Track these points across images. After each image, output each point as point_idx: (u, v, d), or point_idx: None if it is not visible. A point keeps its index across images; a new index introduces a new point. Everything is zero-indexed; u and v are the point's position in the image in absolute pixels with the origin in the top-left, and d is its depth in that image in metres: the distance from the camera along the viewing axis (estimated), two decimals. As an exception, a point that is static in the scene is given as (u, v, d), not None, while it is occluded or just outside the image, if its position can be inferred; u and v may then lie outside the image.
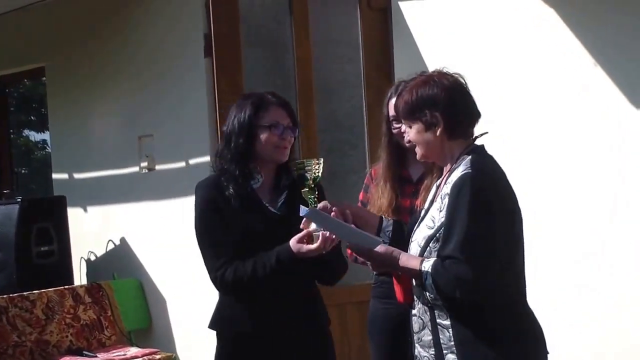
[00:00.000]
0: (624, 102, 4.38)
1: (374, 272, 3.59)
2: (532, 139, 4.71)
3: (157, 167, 5.58)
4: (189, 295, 5.35)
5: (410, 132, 2.74)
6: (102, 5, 5.92)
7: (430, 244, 2.60)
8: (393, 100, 3.57)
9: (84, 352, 4.99)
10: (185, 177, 5.36)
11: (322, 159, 2.93)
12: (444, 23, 4.99)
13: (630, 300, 4.36)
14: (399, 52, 5.07)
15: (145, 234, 5.70)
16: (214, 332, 5.07)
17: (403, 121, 2.79)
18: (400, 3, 5.06)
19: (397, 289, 2.74)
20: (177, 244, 5.41)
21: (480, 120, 4.35)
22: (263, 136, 3.01)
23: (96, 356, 4.95)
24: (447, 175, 2.68)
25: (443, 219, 2.56)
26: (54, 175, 6.48)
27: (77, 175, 6.25)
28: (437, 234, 2.58)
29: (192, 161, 5.31)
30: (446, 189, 2.60)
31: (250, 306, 3.07)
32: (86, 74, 6.09)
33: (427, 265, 2.53)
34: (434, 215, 2.62)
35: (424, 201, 3.23)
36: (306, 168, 2.88)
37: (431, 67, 4.95)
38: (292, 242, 2.87)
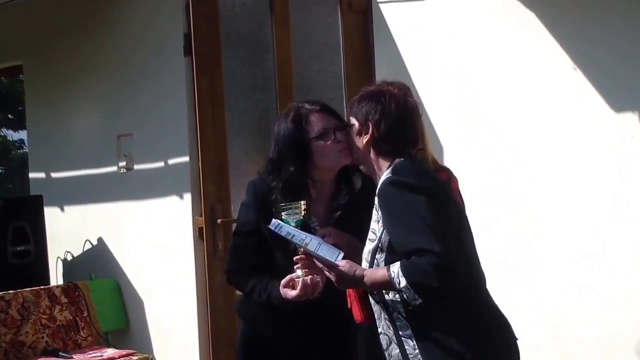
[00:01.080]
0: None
1: None
2: (510, 138, 4.72)
3: (136, 166, 5.55)
4: (166, 296, 5.32)
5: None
6: (81, 4, 5.88)
7: (377, 256, 2.61)
8: None
9: (60, 353, 4.96)
10: (164, 176, 5.34)
11: (304, 202, 2.83)
12: (425, 25, 5.00)
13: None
14: (379, 54, 5.08)
15: (123, 234, 5.66)
16: (191, 333, 5.09)
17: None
18: (380, 5, 5.06)
19: (356, 308, 2.73)
20: (155, 244, 5.39)
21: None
22: (317, 149, 2.89)
23: (72, 357, 4.92)
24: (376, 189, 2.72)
25: (382, 228, 2.58)
26: (31, 174, 6.43)
27: (54, 175, 6.21)
28: (380, 244, 2.60)
29: (171, 161, 5.29)
30: (376, 200, 2.63)
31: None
32: (64, 72, 6.05)
33: (395, 269, 2.50)
34: (373, 227, 2.64)
35: None
36: (288, 212, 2.81)
37: (411, 68, 4.98)
38: (280, 286, 2.86)
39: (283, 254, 2.94)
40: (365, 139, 2.74)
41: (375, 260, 2.61)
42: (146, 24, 5.43)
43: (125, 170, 5.62)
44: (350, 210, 2.97)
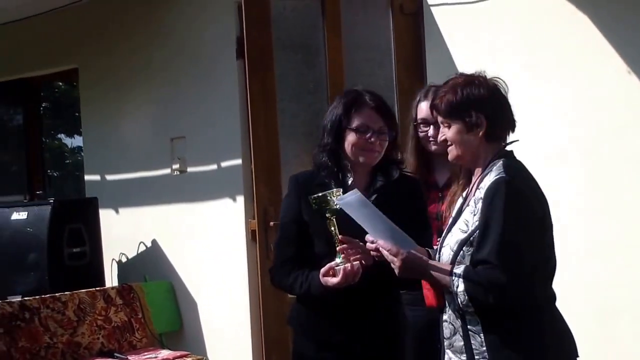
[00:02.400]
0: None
1: None
2: (563, 143, 4.67)
3: (189, 169, 5.61)
4: (219, 298, 5.37)
5: (448, 132, 2.71)
6: (135, 9, 5.96)
7: (464, 248, 2.59)
8: (423, 104, 3.57)
9: (115, 354, 5.01)
10: (216, 179, 5.39)
11: (341, 189, 2.88)
12: (476, 27, 4.96)
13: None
14: (430, 56, 5.05)
15: (176, 236, 5.72)
16: (244, 335, 5.12)
17: (442, 119, 2.73)
18: (432, 7, 5.04)
19: (429, 293, 2.74)
20: (208, 246, 5.44)
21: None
22: (349, 138, 3.01)
23: (127, 358, 4.97)
24: (478, 179, 2.68)
25: (477, 223, 2.55)
26: (86, 177, 6.52)
27: (109, 177, 6.29)
28: (471, 238, 2.57)
29: (223, 163, 5.33)
30: (479, 193, 2.59)
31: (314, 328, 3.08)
32: (119, 76, 6.13)
33: (458, 271, 2.52)
34: (467, 219, 2.62)
35: (449, 206, 3.21)
36: (323, 203, 2.85)
37: (462, 70, 4.95)
38: (320, 274, 2.89)
39: (324, 241, 2.96)
40: (480, 132, 2.68)
41: (462, 252, 2.59)
42: (199, 28, 5.49)
43: (178, 173, 5.68)
44: (385, 199, 2.97)
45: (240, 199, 5.16)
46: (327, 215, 2.85)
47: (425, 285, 2.75)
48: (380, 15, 5.25)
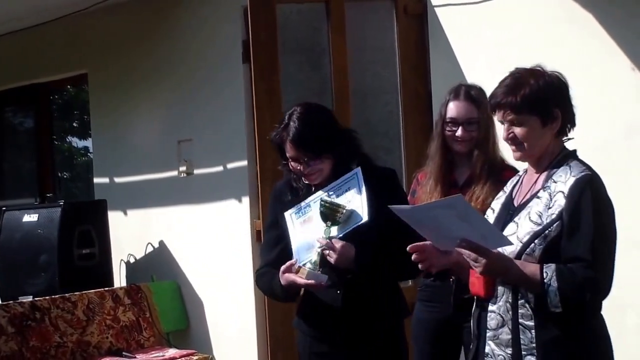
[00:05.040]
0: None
1: (424, 277, 3.64)
2: (571, 143, 4.68)
3: (196, 171, 5.66)
4: (225, 297, 5.41)
5: (520, 129, 2.65)
6: (142, 15, 6.01)
7: (536, 241, 2.54)
8: (452, 103, 3.60)
9: (124, 353, 5.06)
10: (223, 181, 5.43)
11: (347, 208, 2.93)
12: (481, 28, 4.99)
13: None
14: (435, 58, 5.08)
15: (183, 237, 5.77)
16: (249, 334, 5.16)
17: (514, 117, 2.64)
18: (436, 9, 5.07)
19: (477, 281, 2.66)
20: (214, 246, 5.49)
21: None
22: (290, 164, 3.08)
23: (135, 357, 5.02)
24: (545, 175, 2.66)
25: (553, 217, 2.53)
26: (95, 180, 6.59)
27: (117, 180, 6.35)
28: (546, 232, 2.53)
29: (230, 165, 5.38)
30: (556, 186, 2.58)
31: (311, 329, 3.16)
32: (127, 79, 6.19)
33: (549, 270, 2.48)
34: (539, 211, 2.58)
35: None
36: (332, 211, 2.92)
37: (468, 72, 4.98)
38: (280, 272, 2.97)
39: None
40: (556, 126, 2.66)
41: (533, 244, 2.54)
42: (205, 32, 5.54)
43: (185, 175, 5.73)
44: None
45: (246, 200, 5.21)
46: (328, 222, 2.93)
47: (474, 273, 2.66)
48: (384, 17, 5.29)
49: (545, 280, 2.47)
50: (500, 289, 2.61)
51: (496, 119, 2.77)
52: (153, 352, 5.15)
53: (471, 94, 3.62)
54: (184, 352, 5.15)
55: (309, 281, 2.87)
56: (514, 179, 2.90)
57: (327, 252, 2.89)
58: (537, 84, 2.63)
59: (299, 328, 3.21)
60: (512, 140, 2.68)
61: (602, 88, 4.52)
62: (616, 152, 4.37)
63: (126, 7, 6.12)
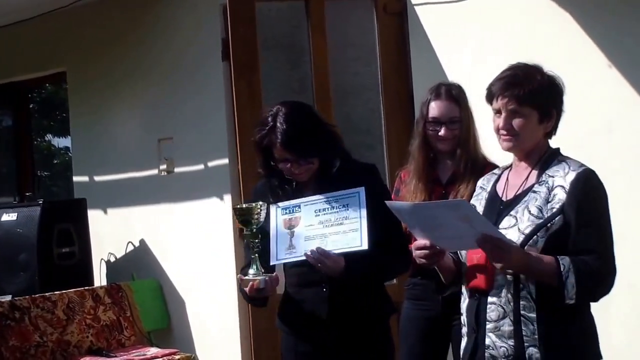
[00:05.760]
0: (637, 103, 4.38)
1: (410, 276, 3.67)
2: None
3: (177, 169, 5.65)
4: (207, 296, 5.40)
5: (518, 120, 2.69)
6: (122, 12, 5.99)
7: (538, 233, 2.58)
8: (435, 103, 3.61)
9: (104, 352, 5.04)
10: (204, 179, 5.42)
11: (264, 205, 2.98)
12: (460, 26, 5.01)
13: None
14: (415, 56, 5.09)
15: (164, 235, 5.76)
16: (232, 332, 5.16)
17: (516, 107, 2.67)
18: (416, 7, 5.08)
19: (481, 275, 2.68)
20: (196, 245, 5.48)
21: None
22: (278, 165, 3.06)
23: (116, 356, 4.99)
24: (538, 169, 2.72)
25: (554, 210, 2.58)
26: (75, 178, 6.56)
27: (97, 178, 6.32)
28: (548, 224, 2.58)
29: (210, 163, 5.37)
30: (554, 181, 2.64)
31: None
32: (106, 78, 6.17)
33: (566, 262, 2.52)
34: (539, 205, 2.62)
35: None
36: (247, 216, 2.95)
37: (448, 70, 4.99)
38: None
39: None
40: (550, 125, 2.74)
41: (535, 237, 2.58)
42: (185, 30, 5.53)
43: (166, 173, 5.72)
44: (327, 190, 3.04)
45: (228, 198, 5.20)
46: (250, 226, 2.95)
47: (474, 267, 2.70)
48: (364, 15, 5.29)
49: (562, 272, 2.51)
50: (500, 280, 2.63)
51: (493, 107, 2.78)
52: (134, 351, 5.12)
53: (452, 93, 3.63)
54: (166, 351, 5.12)
55: (252, 290, 2.94)
56: (490, 177, 2.94)
57: (317, 264, 2.89)
58: (544, 80, 2.70)
59: (281, 328, 3.21)
60: (508, 130, 2.71)
61: (581, 85, 4.54)
62: (596, 148, 4.39)
63: (105, 5, 6.10)
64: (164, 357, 5.02)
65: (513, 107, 2.68)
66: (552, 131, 2.78)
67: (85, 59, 6.34)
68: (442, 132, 3.57)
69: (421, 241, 2.68)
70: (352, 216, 2.90)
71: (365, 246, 2.87)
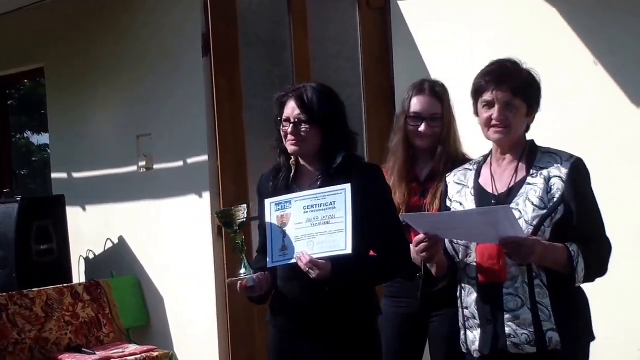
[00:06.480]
0: (624, 101, 4.39)
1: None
2: (534, 135, 4.71)
3: (156, 166, 5.61)
4: (186, 293, 5.38)
5: (510, 112, 2.77)
6: (101, 7, 5.95)
7: (545, 223, 2.69)
8: (417, 98, 3.59)
9: (83, 349, 5.02)
10: (183, 175, 5.39)
11: (244, 206, 3.01)
12: (443, 22, 5.01)
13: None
14: (397, 50, 5.09)
15: (143, 232, 5.72)
16: (210, 329, 5.14)
17: (511, 97, 2.75)
18: (399, 2, 5.08)
19: (500, 268, 2.73)
20: (175, 242, 5.45)
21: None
22: (281, 132, 3.06)
23: (95, 353, 4.97)
24: (525, 162, 2.81)
25: (555, 200, 2.70)
26: (53, 175, 6.51)
27: (76, 175, 6.28)
28: (552, 214, 2.69)
29: (190, 160, 5.33)
30: (550, 172, 2.74)
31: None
32: (85, 73, 6.12)
33: (574, 249, 2.67)
34: (540, 195, 2.72)
35: (433, 201, 3.42)
36: (228, 218, 2.99)
37: (430, 65, 4.99)
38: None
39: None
40: (532, 117, 2.85)
41: (543, 227, 2.69)
42: (165, 25, 5.49)
43: (145, 170, 5.68)
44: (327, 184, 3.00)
45: (207, 195, 5.17)
46: (233, 228, 2.98)
47: (489, 261, 2.75)
48: (347, 10, 5.30)
49: (573, 258, 2.66)
50: (514, 271, 2.72)
51: (483, 99, 2.80)
52: (113, 348, 5.11)
53: (435, 89, 3.61)
54: (144, 348, 5.11)
55: (242, 289, 2.99)
56: (464, 172, 2.98)
57: (307, 270, 2.87)
58: (530, 75, 2.81)
59: (271, 323, 3.18)
60: (502, 121, 2.77)
61: (566, 81, 4.56)
62: (579, 143, 4.40)
63: (84, 0, 6.05)
64: (142, 354, 5.01)
65: (508, 98, 2.75)
66: (529, 127, 2.88)
67: (64, 55, 6.28)
68: (422, 128, 3.55)
69: (420, 235, 2.75)
70: (338, 215, 2.87)
71: (349, 250, 2.83)
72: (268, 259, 2.99)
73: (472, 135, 4.82)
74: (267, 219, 3.01)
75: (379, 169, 3.18)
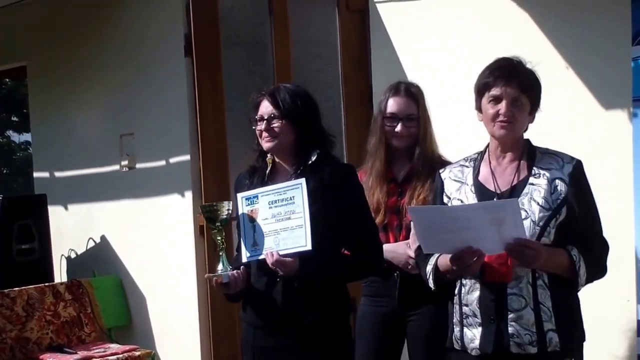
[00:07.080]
0: (594, 103, 4.44)
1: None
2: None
3: (138, 165, 5.62)
4: (168, 293, 5.39)
5: (516, 108, 2.80)
6: (83, 5, 5.95)
7: (550, 224, 2.74)
8: (393, 99, 3.63)
9: (65, 349, 5.03)
10: (165, 175, 5.40)
11: (229, 202, 3.06)
12: (421, 24, 5.05)
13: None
14: (376, 53, 5.13)
15: (125, 231, 5.73)
16: (192, 329, 5.16)
17: (519, 94, 2.80)
18: (377, 5, 5.12)
19: (507, 269, 2.75)
20: (157, 241, 5.46)
21: (458, 122, 4.43)
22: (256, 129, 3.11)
23: (76, 353, 4.98)
24: (526, 161, 2.84)
25: (559, 202, 2.74)
26: (35, 174, 6.50)
27: (58, 174, 6.28)
28: (557, 215, 2.74)
29: (172, 160, 5.35)
30: (552, 173, 2.78)
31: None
32: (68, 73, 6.12)
33: (575, 253, 2.73)
34: (544, 196, 2.75)
35: (411, 201, 3.44)
36: (212, 212, 3.03)
37: (407, 67, 5.03)
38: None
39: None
40: (533, 117, 2.88)
41: (548, 228, 2.73)
42: (147, 25, 5.50)
43: (127, 169, 5.69)
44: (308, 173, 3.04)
45: (189, 195, 5.19)
46: (218, 224, 3.02)
47: (497, 261, 2.76)
48: (327, 12, 5.33)
49: (575, 262, 2.72)
50: (518, 272, 2.74)
51: (491, 94, 2.83)
52: (94, 348, 5.11)
53: (411, 90, 3.66)
54: (126, 347, 5.13)
55: (218, 285, 3.04)
56: (461, 169, 2.99)
57: (274, 267, 2.93)
58: (537, 76, 2.87)
59: (244, 319, 3.22)
60: (509, 116, 2.80)
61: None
62: (552, 147, 4.46)
63: None
64: (124, 354, 5.02)
65: (516, 94, 2.79)
66: (528, 125, 2.92)
67: (46, 54, 6.28)
68: (398, 129, 3.59)
69: (459, 251, 2.73)
70: (297, 210, 2.91)
71: (309, 246, 2.87)
72: (242, 255, 3.04)
73: (449, 137, 4.89)
74: (240, 215, 3.06)
75: (352, 168, 3.21)
